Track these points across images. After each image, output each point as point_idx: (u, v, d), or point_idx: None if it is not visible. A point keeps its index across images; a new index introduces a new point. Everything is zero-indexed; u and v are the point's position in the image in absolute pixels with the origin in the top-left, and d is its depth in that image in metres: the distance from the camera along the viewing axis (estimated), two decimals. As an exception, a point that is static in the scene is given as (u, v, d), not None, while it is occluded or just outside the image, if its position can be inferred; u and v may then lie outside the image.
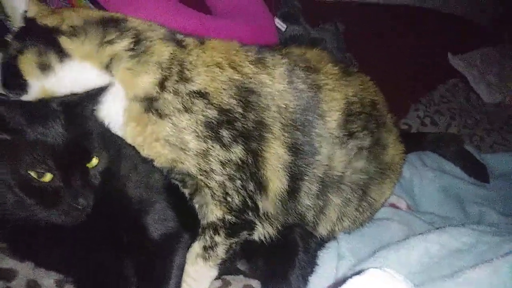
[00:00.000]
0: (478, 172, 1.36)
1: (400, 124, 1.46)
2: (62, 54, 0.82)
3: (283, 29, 1.68)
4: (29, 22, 0.85)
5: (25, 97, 0.83)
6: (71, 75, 0.83)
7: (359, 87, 0.96)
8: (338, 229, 1.00)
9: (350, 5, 2.31)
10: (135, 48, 0.84)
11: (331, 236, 1.02)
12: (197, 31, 0.95)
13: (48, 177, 0.72)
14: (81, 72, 0.83)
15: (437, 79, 1.87)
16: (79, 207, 0.74)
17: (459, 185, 1.29)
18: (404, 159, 1.04)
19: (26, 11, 0.85)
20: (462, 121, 1.63)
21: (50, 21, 0.84)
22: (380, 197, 1.00)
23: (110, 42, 0.84)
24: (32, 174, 0.71)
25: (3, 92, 0.87)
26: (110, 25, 0.86)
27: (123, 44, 0.84)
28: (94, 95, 0.81)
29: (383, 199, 1.03)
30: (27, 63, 0.82)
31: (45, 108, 0.77)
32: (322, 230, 0.98)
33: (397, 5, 2.49)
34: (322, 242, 1.02)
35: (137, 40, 0.85)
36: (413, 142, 1.11)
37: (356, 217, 0.99)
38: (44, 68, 0.82)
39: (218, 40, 0.91)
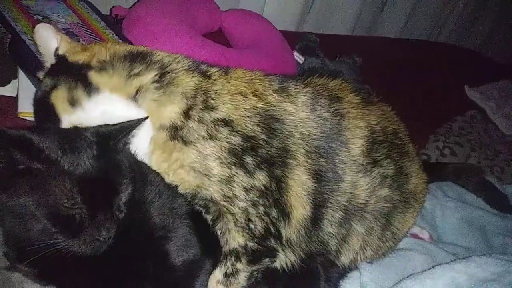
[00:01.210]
0: (500, 202, 1.33)
1: (420, 154, 1.46)
2: (91, 88, 0.85)
3: (301, 62, 1.72)
4: (60, 58, 0.89)
5: None
6: (101, 108, 0.86)
7: (381, 116, 0.97)
8: (361, 258, 0.99)
9: (366, 39, 2.35)
10: (161, 80, 0.87)
11: (353, 266, 1.01)
12: (220, 63, 0.98)
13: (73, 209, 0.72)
14: (110, 105, 0.86)
15: (455, 111, 1.87)
16: (101, 239, 0.74)
17: (481, 215, 1.27)
18: (427, 188, 1.04)
19: (57, 48, 0.89)
20: (482, 152, 1.62)
21: (79, 57, 0.88)
22: (403, 226, 0.99)
23: (137, 74, 0.87)
24: (59, 205, 0.71)
25: None
26: (137, 59, 0.89)
27: (149, 76, 0.87)
28: (129, 128, 0.82)
29: (406, 229, 1.01)
30: (59, 99, 0.85)
31: (79, 137, 0.77)
32: (345, 259, 0.97)
33: (411, 39, 2.54)
34: (344, 272, 1.01)
35: (163, 72, 0.88)
36: (433, 172, 1.10)
37: (379, 246, 0.98)
38: (74, 102, 0.85)
39: (242, 70, 0.94)
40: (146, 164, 0.90)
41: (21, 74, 1.17)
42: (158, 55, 0.91)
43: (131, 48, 0.92)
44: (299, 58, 1.72)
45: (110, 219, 0.75)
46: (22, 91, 1.14)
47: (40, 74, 0.92)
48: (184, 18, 1.54)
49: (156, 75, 0.87)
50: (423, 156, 1.54)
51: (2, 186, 0.73)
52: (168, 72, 0.88)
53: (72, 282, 0.83)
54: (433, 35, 2.73)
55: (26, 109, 1.10)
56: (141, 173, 0.89)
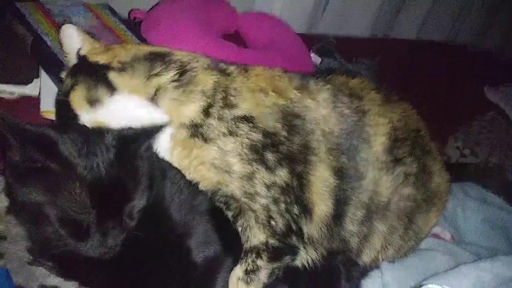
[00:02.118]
0: (523, 204, 1.31)
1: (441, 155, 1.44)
2: (111, 88, 0.86)
3: (318, 63, 1.71)
4: (81, 59, 0.90)
5: None
6: (119, 108, 0.86)
7: (403, 114, 0.97)
8: (382, 257, 0.97)
9: (383, 41, 2.34)
10: (180, 79, 0.87)
11: (374, 265, 1.00)
12: (236, 62, 0.99)
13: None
14: (129, 105, 0.87)
15: (474, 111, 1.85)
16: (107, 245, 0.74)
17: (504, 216, 1.25)
18: (449, 188, 1.02)
19: (80, 49, 0.90)
20: (503, 153, 1.60)
21: (101, 58, 0.89)
22: (426, 226, 0.98)
23: (156, 75, 0.87)
24: (68, 208, 0.71)
25: None
26: (157, 59, 0.89)
27: (168, 76, 0.87)
28: (151, 133, 0.81)
29: (429, 228, 1.00)
30: (78, 98, 0.86)
31: (99, 140, 0.76)
32: (366, 258, 0.96)
33: (428, 41, 2.52)
34: (365, 271, 1.00)
35: (182, 71, 0.88)
36: (454, 173, 1.08)
37: (400, 245, 0.97)
38: (93, 102, 0.85)
39: (262, 68, 0.94)
40: (167, 162, 0.90)
41: (43, 73, 1.19)
42: (177, 55, 0.92)
43: (151, 49, 0.93)
44: (316, 59, 1.72)
45: (118, 227, 0.74)
46: (44, 90, 1.16)
47: (63, 74, 0.94)
48: (202, 20, 1.54)
49: (175, 74, 0.87)
50: (444, 157, 1.51)
51: (19, 181, 0.73)
52: (187, 71, 0.88)
53: (92, 278, 0.84)
54: (450, 37, 2.70)
55: (48, 108, 1.11)
56: (162, 170, 0.90)
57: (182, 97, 0.86)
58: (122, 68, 0.87)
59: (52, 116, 1.11)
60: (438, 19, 2.58)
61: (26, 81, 1.19)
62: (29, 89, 1.18)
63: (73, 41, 0.90)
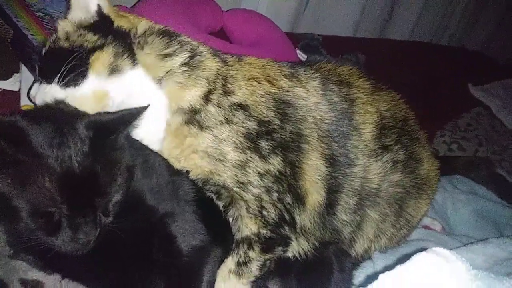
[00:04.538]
0: (511, 195, 1.32)
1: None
2: (133, 62, 0.83)
3: (304, 60, 1.71)
4: (105, 18, 0.85)
5: (71, 90, 0.80)
6: (132, 83, 0.83)
7: (390, 102, 0.97)
8: (375, 247, 0.97)
9: (370, 41, 2.35)
10: (190, 62, 0.85)
11: (367, 256, 0.99)
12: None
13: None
14: (140, 82, 0.84)
15: (460, 108, 1.87)
16: (79, 241, 0.70)
17: (493, 207, 1.25)
18: (439, 175, 1.02)
19: (100, 6, 0.85)
20: (489, 147, 1.62)
21: (123, 23, 0.86)
22: (417, 213, 0.97)
23: (171, 55, 0.85)
24: (38, 202, 0.67)
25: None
26: (171, 38, 0.87)
27: (181, 58, 0.85)
28: (130, 120, 0.76)
29: (420, 216, 1.00)
30: (102, 60, 0.81)
31: (73, 130, 0.72)
32: (359, 247, 0.95)
33: (414, 41, 2.54)
34: (357, 262, 0.98)
35: (193, 54, 0.87)
36: (443, 166, 1.08)
37: (393, 233, 0.96)
38: (114, 70, 0.81)
39: (254, 57, 0.93)
40: (149, 149, 0.86)
41: (23, 68, 1.16)
42: (187, 38, 0.90)
43: (161, 27, 0.89)
44: (301, 56, 1.71)
45: (90, 223, 0.71)
46: (25, 85, 1.13)
47: (64, 22, 0.85)
48: (187, 17, 1.53)
49: (187, 57, 0.86)
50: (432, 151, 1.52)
51: None
52: (197, 55, 0.87)
53: (76, 269, 0.81)
54: (435, 38, 2.74)
55: (29, 103, 1.08)
56: (144, 160, 0.87)
57: (187, 82, 0.84)
58: (143, 42, 0.84)
59: (33, 111, 1.08)
60: (424, 23, 2.62)
61: (6, 76, 1.16)
62: (9, 84, 1.15)
63: None
